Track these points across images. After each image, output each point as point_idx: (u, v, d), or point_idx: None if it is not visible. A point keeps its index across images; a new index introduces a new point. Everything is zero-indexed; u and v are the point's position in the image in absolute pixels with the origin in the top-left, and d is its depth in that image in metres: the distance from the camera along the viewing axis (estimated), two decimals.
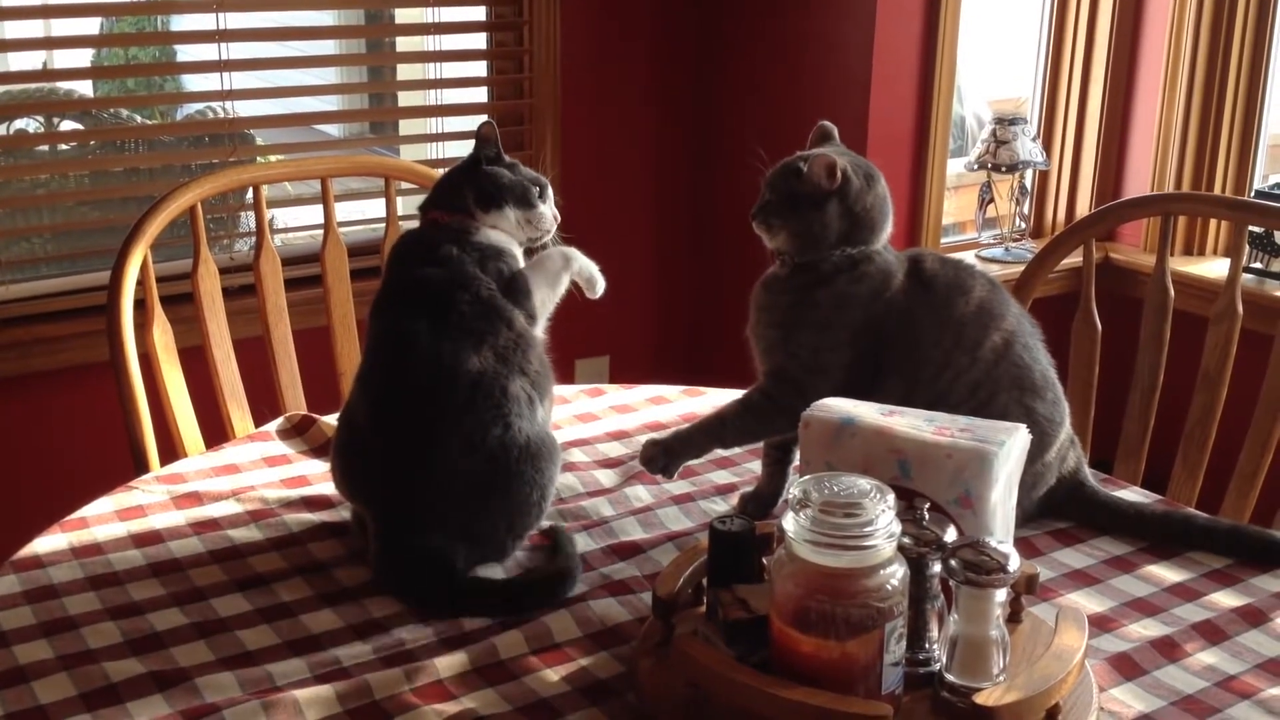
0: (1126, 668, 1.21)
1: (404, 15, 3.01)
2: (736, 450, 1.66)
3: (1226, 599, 1.33)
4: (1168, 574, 1.38)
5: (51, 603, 1.28)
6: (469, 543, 1.35)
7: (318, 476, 1.58)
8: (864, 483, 1.05)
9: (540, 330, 1.47)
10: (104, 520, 1.45)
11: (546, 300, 1.48)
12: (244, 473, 1.59)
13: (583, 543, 1.43)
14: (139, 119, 3.00)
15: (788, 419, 1.32)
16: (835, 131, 1.53)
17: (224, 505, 1.50)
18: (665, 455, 1.47)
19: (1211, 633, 1.27)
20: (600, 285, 1.54)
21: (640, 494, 1.55)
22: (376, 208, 2.77)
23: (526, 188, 1.49)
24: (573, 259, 1.52)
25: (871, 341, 1.43)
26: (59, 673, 1.17)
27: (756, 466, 1.61)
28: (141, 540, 1.41)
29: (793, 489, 1.05)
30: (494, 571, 1.37)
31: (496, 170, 1.49)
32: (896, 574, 1.03)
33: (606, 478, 1.60)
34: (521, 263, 1.48)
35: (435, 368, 1.35)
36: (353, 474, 1.41)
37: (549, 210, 1.51)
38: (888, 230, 1.48)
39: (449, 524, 1.34)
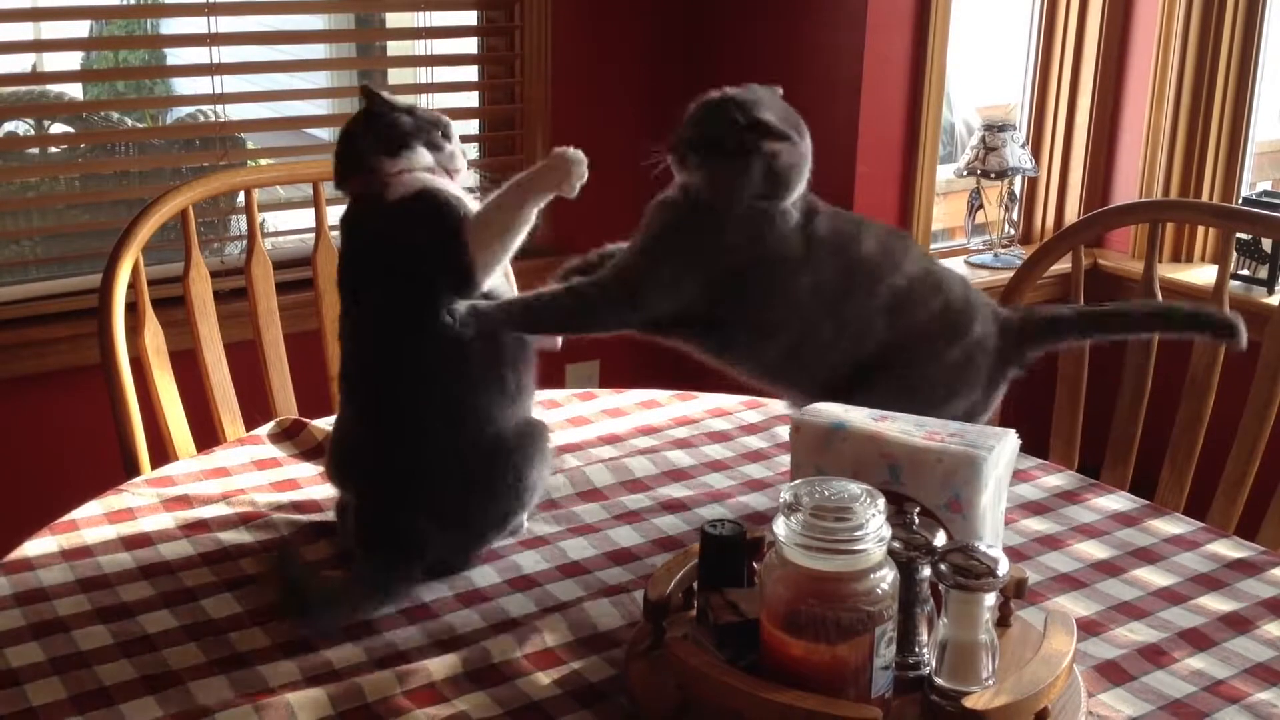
0: (1114, 673, 1.21)
1: (395, 20, 3.02)
2: (730, 454, 1.67)
3: (1214, 603, 1.34)
4: (1155, 578, 1.39)
5: (42, 605, 1.28)
6: (450, 529, 1.35)
7: (307, 480, 1.58)
8: (854, 487, 1.06)
9: (500, 279, 1.39)
10: (93, 523, 1.45)
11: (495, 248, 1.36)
12: (233, 476, 1.59)
13: (575, 547, 1.43)
14: (129, 122, 3.00)
15: (606, 320, 1.32)
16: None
17: (214, 508, 1.50)
18: (474, 318, 1.34)
19: (1199, 639, 1.28)
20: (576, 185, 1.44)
21: (632, 498, 1.55)
22: None
23: (428, 129, 1.41)
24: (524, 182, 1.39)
25: (735, 300, 1.41)
26: (50, 676, 1.17)
27: (752, 470, 1.62)
28: (131, 543, 1.41)
29: (784, 493, 1.06)
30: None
31: (394, 116, 1.40)
32: (886, 578, 1.03)
33: (598, 481, 1.60)
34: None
35: (419, 348, 1.33)
36: (341, 458, 1.41)
37: (458, 148, 1.43)
38: (801, 188, 1.45)
39: (429, 508, 1.34)
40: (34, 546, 1.39)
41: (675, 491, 1.57)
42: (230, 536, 1.43)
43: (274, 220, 3.04)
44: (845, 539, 1.01)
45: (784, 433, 1.73)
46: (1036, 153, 3.22)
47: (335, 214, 2.20)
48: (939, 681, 1.09)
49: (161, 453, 1.77)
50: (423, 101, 3.00)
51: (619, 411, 1.82)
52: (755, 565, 1.19)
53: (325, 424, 1.72)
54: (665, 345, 1.48)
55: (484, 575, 1.37)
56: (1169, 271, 2.97)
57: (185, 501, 1.51)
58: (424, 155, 1.40)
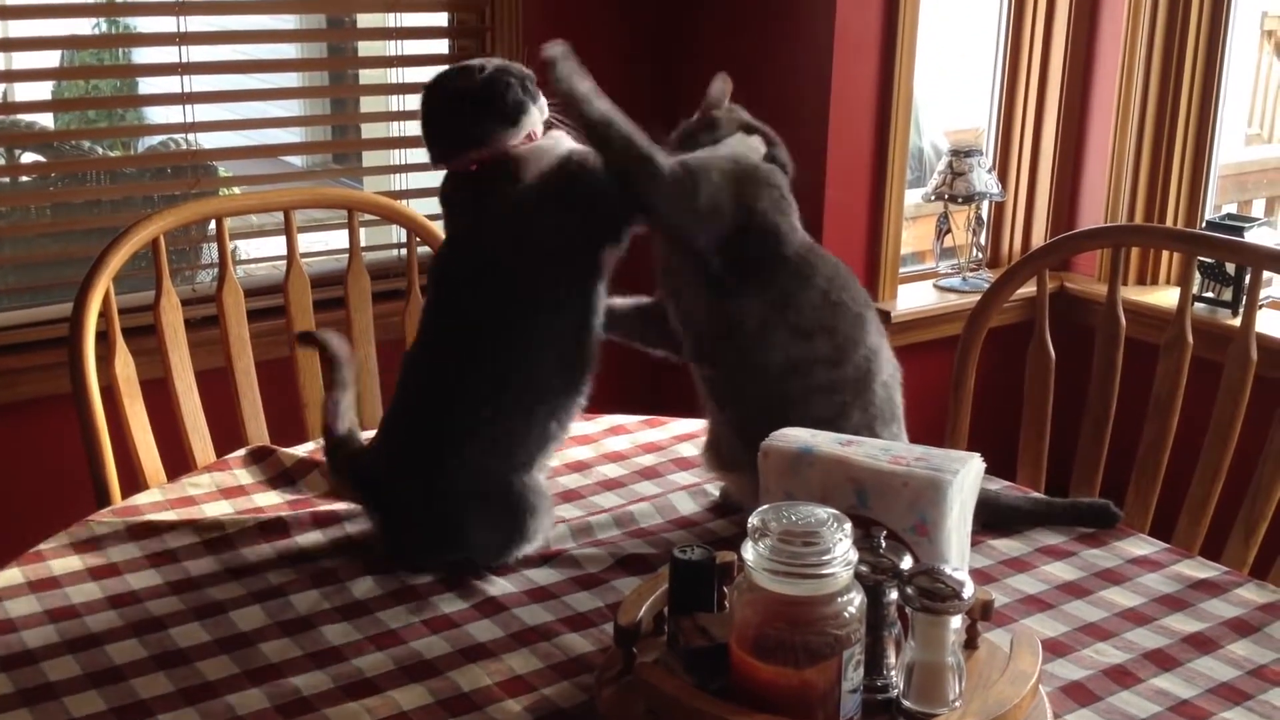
0: (1080, 693, 1.23)
1: (367, 48, 3.03)
2: (697, 480, 1.68)
3: (1179, 623, 1.36)
4: (1120, 599, 1.41)
5: (10, 636, 1.28)
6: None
7: (273, 507, 1.58)
8: (821, 512, 1.07)
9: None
10: (60, 554, 1.45)
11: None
12: (200, 504, 1.59)
13: (545, 574, 1.44)
14: (100, 150, 2.99)
15: (660, 188, 1.38)
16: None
17: (180, 537, 1.49)
18: (570, 75, 1.33)
19: (1164, 659, 1.29)
20: None
21: (602, 524, 1.56)
22: (340, 239, 2.77)
23: (524, 83, 1.34)
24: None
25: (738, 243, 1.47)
26: (19, 708, 1.16)
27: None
28: (98, 573, 1.41)
29: (751, 519, 1.07)
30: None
31: (501, 79, 1.33)
32: (854, 602, 1.04)
33: (567, 509, 1.61)
34: None
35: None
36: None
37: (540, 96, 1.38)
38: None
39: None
40: (0, 579, 1.39)
41: (644, 517, 1.58)
42: (197, 565, 1.43)
43: (245, 248, 3.03)
44: (812, 564, 1.02)
45: None
46: (1003, 177, 3.26)
47: (306, 241, 2.17)
48: (906, 704, 1.10)
49: (133, 482, 1.76)
50: (394, 130, 3.01)
51: (587, 438, 1.83)
52: (726, 589, 1.20)
53: (295, 451, 1.72)
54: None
55: (451, 602, 1.37)
56: (1134, 294, 3.00)
57: (151, 530, 1.51)
58: (535, 114, 1.33)
